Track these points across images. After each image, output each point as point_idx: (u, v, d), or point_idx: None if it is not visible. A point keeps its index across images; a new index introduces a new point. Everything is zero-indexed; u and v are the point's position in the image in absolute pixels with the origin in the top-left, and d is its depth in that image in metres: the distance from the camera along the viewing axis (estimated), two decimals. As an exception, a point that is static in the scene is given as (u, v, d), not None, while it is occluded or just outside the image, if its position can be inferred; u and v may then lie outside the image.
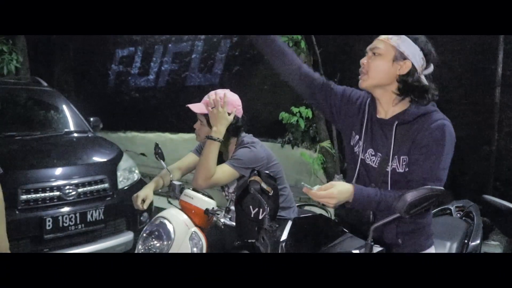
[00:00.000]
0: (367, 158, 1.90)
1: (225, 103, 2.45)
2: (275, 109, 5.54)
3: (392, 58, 1.81)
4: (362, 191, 1.74)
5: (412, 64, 1.81)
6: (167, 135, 7.76)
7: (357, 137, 1.94)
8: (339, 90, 2.04)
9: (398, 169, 1.81)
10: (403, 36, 1.82)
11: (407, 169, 1.79)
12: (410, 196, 1.46)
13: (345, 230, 1.62)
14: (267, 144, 5.76)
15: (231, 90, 2.66)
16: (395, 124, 1.83)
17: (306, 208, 3.49)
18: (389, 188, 1.81)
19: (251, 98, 6.25)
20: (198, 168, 2.43)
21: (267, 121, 5.94)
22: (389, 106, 1.88)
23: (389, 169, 1.82)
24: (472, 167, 4.77)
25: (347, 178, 2.03)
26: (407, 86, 1.82)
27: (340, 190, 1.69)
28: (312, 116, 5.23)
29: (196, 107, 2.60)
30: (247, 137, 2.59)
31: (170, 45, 7.98)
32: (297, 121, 5.18)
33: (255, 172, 1.89)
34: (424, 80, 1.84)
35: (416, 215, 1.58)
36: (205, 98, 2.60)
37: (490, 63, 4.60)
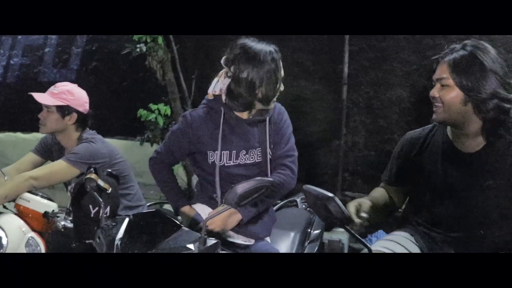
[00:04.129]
0: (243, 159, 2.08)
1: None
2: (133, 106, 5.39)
3: None
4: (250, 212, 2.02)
5: None
6: (19, 135, 7.19)
7: (216, 152, 2.07)
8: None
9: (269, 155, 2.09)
10: None
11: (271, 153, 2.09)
12: (240, 188, 1.50)
13: (181, 225, 1.61)
14: (125, 142, 5.55)
15: (88, 87, 2.65)
16: (267, 118, 2.09)
17: (165, 207, 3.44)
18: (269, 173, 2.09)
19: (109, 95, 6.02)
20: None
21: (125, 118, 5.76)
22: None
23: (268, 157, 2.08)
24: (323, 160, 5.08)
25: (207, 186, 2.17)
26: None
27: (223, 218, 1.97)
28: (171, 113, 5.18)
29: (42, 98, 2.50)
30: (88, 133, 2.52)
31: (20, 37, 7.39)
32: (156, 118, 5.09)
33: (92, 169, 1.82)
34: None
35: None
36: (52, 89, 2.56)
37: (337, 62, 4.92)
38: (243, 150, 2.07)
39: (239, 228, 2.08)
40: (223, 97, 2.06)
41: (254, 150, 2.09)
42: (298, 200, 2.87)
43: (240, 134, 2.08)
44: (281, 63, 2.06)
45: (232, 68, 2.01)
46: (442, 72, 1.74)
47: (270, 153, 2.10)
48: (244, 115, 2.08)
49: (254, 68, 1.97)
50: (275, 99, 2.07)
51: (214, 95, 2.08)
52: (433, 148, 1.85)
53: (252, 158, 2.09)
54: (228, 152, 2.06)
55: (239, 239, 2.12)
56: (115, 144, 4.62)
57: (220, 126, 2.05)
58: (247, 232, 2.12)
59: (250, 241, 2.13)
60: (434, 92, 1.76)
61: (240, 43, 2.02)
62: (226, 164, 2.07)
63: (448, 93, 1.71)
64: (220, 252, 1.57)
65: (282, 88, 2.08)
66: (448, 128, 1.83)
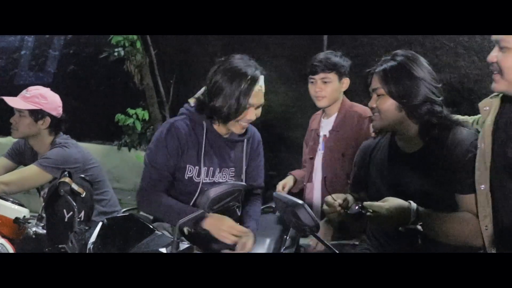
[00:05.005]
0: (217, 177, 2.00)
1: None
2: (111, 110, 5.36)
3: None
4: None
5: None
6: (-6, 139, 7.09)
7: (196, 167, 1.98)
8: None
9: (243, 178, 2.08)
10: None
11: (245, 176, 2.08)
12: (213, 192, 1.50)
13: (154, 228, 1.61)
14: (102, 147, 5.50)
15: (65, 91, 2.60)
16: (245, 139, 2.07)
17: (142, 212, 3.40)
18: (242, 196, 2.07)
19: (87, 99, 5.96)
20: None
21: (103, 123, 5.71)
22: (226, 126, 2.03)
23: (243, 178, 2.06)
24: (300, 166, 5.10)
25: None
26: None
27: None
28: (149, 118, 5.16)
29: (14, 102, 2.47)
30: (61, 137, 2.49)
31: (-5, 39, 7.28)
32: (134, 123, 5.06)
33: (66, 173, 1.81)
34: None
35: None
36: (24, 93, 2.53)
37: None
38: (218, 168, 2.02)
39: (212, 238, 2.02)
40: (192, 102, 2.04)
41: (227, 169, 2.05)
42: (275, 206, 2.88)
43: (217, 152, 2.03)
44: (257, 90, 1.95)
45: (210, 77, 1.98)
46: (376, 83, 1.84)
47: (244, 175, 2.09)
48: (223, 132, 2.03)
49: (223, 78, 1.92)
50: (231, 120, 1.96)
51: (194, 104, 2.04)
52: (382, 151, 1.96)
53: (224, 177, 2.03)
54: (206, 168, 2.00)
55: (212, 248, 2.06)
56: (92, 149, 4.58)
57: (203, 140, 1.99)
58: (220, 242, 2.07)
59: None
60: (372, 102, 1.86)
61: (228, 58, 2.00)
62: (203, 181, 1.98)
63: (383, 103, 1.81)
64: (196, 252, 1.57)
65: (252, 116, 1.96)
66: None
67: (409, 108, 1.77)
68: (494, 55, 1.54)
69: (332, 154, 2.50)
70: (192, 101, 2.06)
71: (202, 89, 2.06)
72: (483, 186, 1.61)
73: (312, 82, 2.51)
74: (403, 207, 1.64)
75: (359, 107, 2.54)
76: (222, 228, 1.86)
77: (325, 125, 2.59)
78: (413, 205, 1.66)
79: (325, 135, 2.59)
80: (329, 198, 1.80)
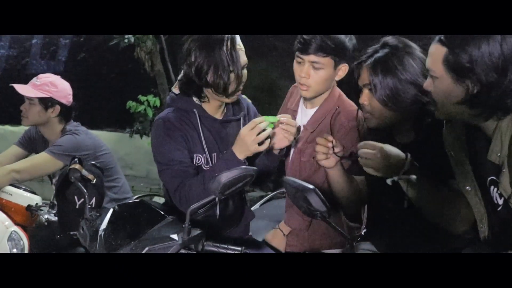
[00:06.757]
0: None
1: None
2: (122, 98, 5.37)
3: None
4: None
5: None
6: (7, 127, 7.12)
7: (204, 155, 1.89)
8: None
9: None
10: None
11: None
12: (224, 177, 1.46)
13: (165, 215, 1.59)
14: (114, 134, 5.52)
15: (76, 79, 2.58)
16: (241, 119, 1.95)
17: (155, 199, 3.41)
18: None
19: (98, 87, 5.98)
20: None
21: (114, 110, 5.73)
22: (220, 105, 1.91)
23: None
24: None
25: None
26: None
27: None
28: (161, 104, 5.15)
29: (24, 90, 2.47)
30: (71, 125, 2.49)
31: (6, 29, 7.31)
32: (145, 110, 5.08)
33: (76, 159, 1.80)
34: None
35: None
36: (34, 81, 2.50)
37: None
38: (220, 153, 1.91)
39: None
40: (177, 88, 1.91)
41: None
42: (285, 191, 2.85)
43: (216, 135, 1.92)
44: (239, 51, 1.80)
45: (185, 55, 1.83)
46: (366, 77, 1.70)
47: None
48: (217, 114, 1.93)
49: (202, 51, 1.76)
50: (233, 89, 1.82)
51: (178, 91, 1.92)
52: (378, 141, 1.88)
53: None
54: (215, 154, 1.90)
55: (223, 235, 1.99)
56: (105, 136, 4.59)
57: (199, 127, 1.87)
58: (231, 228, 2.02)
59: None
60: (364, 99, 1.73)
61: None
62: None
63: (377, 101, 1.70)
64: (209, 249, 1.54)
65: (244, 79, 1.83)
66: None
67: (399, 109, 1.68)
68: (428, 83, 1.48)
69: (299, 156, 2.03)
70: (176, 89, 1.94)
71: (182, 72, 1.92)
72: (468, 187, 1.54)
73: (299, 62, 1.86)
74: (398, 154, 1.54)
75: (348, 106, 1.97)
76: (250, 140, 1.72)
77: (303, 114, 2.04)
78: (410, 156, 1.55)
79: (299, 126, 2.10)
80: (322, 138, 1.70)
